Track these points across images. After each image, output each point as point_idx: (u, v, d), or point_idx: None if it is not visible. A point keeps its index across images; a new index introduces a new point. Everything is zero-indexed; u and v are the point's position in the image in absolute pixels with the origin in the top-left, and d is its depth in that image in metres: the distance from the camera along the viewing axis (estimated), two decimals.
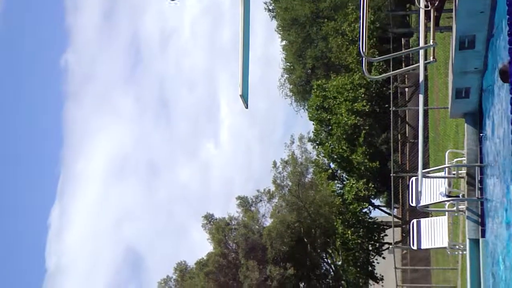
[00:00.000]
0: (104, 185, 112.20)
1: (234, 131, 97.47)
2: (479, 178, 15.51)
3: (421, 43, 13.71)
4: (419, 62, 14.15)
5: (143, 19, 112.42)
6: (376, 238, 40.90)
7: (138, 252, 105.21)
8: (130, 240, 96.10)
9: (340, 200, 38.91)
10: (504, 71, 9.23)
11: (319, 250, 41.79)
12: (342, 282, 42.38)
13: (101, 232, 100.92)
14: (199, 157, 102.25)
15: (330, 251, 42.28)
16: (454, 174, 16.94)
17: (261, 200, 41.03)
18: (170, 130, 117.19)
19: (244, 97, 11.40)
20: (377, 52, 37.13)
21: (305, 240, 39.98)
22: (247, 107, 11.71)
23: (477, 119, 15.71)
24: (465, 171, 16.19)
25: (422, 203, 17.86)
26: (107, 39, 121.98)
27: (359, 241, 39.15)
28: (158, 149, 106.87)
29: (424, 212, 23.42)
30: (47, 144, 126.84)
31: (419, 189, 16.75)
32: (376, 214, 45.47)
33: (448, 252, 21.28)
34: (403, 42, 42.90)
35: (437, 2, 13.34)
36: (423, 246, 20.21)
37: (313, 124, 41.45)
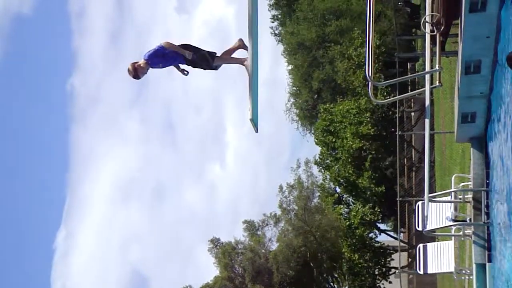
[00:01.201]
0: (110, 208, 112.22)
1: (240, 154, 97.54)
2: (485, 203, 15.50)
3: (427, 68, 13.75)
4: (425, 86, 14.17)
5: (149, 41, 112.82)
6: (382, 262, 40.79)
7: (144, 275, 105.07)
8: (135, 263, 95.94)
9: (347, 223, 38.86)
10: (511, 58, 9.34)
11: (325, 275, 41.70)
12: None
13: (107, 256, 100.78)
14: (205, 180, 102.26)
15: (336, 276, 42.18)
16: (460, 199, 16.93)
17: (267, 224, 41.03)
18: (176, 152, 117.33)
19: (254, 121, 11.40)
20: (383, 77, 37.19)
21: (312, 264, 39.90)
22: (257, 131, 11.71)
23: (483, 143, 15.72)
24: (471, 196, 16.17)
25: (429, 227, 17.83)
26: (113, 61, 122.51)
27: (365, 265, 39.05)
28: (164, 172, 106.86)
29: (430, 236, 23.37)
30: (53, 168, 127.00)
31: (425, 214, 16.72)
32: (382, 238, 45.39)
33: (455, 277, 21.19)
34: (409, 67, 43.01)
35: (442, 27, 13.41)
36: (429, 271, 20.16)
37: (320, 147, 41.48)
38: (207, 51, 11.52)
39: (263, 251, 39.80)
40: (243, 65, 11.56)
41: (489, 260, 15.26)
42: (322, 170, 41.48)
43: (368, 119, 38.56)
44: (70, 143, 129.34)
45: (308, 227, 38.98)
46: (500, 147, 13.28)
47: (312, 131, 46.54)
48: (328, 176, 40.96)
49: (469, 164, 17.16)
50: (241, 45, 11.66)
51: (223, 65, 11.78)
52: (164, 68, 11.70)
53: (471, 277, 18.21)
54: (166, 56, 11.33)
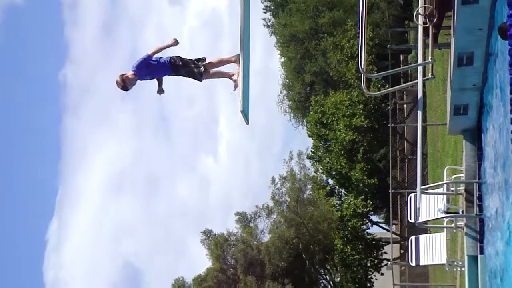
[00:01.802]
0: (103, 199, 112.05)
1: (232, 146, 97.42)
2: (477, 195, 15.52)
3: (420, 60, 13.74)
4: (417, 78, 14.17)
5: (142, 32, 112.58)
6: (374, 254, 40.86)
7: (136, 267, 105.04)
8: (128, 255, 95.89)
9: (339, 215, 38.91)
10: (503, 28, 9.33)
11: (317, 266, 41.74)
12: None
13: (99, 247, 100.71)
14: (197, 171, 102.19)
15: (328, 267, 42.23)
16: (452, 191, 16.95)
17: (259, 216, 41.05)
18: (169, 144, 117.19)
19: (245, 113, 11.36)
20: (376, 69, 37.23)
21: (304, 256, 39.94)
22: (247, 123, 11.68)
23: (475, 135, 15.73)
24: (463, 188, 16.19)
25: (421, 219, 17.85)
26: (106, 52, 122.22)
27: (357, 257, 39.11)
28: (157, 164, 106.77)
29: (422, 228, 23.41)
30: (45, 158, 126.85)
31: (417, 206, 16.75)
32: (374, 230, 45.46)
33: (447, 269, 21.24)
34: (401, 59, 43.00)
35: (435, 19, 13.39)
36: (421, 263, 20.18)
37: (312, 140, 41.49)
38: (198, 69, 11.49)
39: (255, 242, 39.82)
40: (231, 78, 11.55)
41: (481, 252, 15.28)
42: (315, 163, 41.51)
43: (361, 111, 38.58)
44: (62, 133, 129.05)
45: (300, 219, 39.01)
46: (493, 139, 13.29)
47: (305, 123, 46.52)
48: (320, 169, 41.00)
49: (462, 156, 17.18)
50: (236, 61, 11.57)
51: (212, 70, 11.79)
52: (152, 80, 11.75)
53: (463, 269, 18.24)
54: (153, 67, 11.34)
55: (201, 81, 11.62)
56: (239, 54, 11.45)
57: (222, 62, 11.71)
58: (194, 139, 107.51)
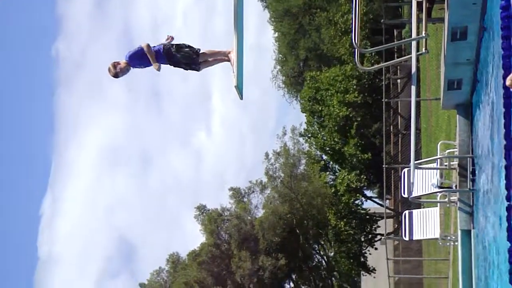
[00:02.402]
0: (96, 173, 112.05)
1: (226, 121, 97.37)
2: (471, 169, 15.56)
3: (414, 35, 13.72)
4: (411, 53, 14.16)
5: (135, 7, 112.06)
6: (368, 229, 40.98)
7: (130, 241, 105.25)
8: (122, 229, 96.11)
9: (333, 191, 38.96)
10: None
11: (311, 242, 41.87)
12: (334, 273, 42.50)
13: (94, 221, 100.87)
14: (191, 146, 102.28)
15: (322, 243, 42.37)
16: (446, 165, 16.98)
17: (253, 191, 41.10)
18: (162, 118, 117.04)
19: (239, 88, 11.33)
20: (370, 44, 37.12)
21: (298, 231, 40.05)
22: (242, 98, 11.65)
23: (469, 110, 15.74)
24: (457, 162, 16.23)
25: (414, 194, 17.90)
26: (98, 27, 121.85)
27: (351, 232, 39.22)
28: (150, 138, 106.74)
29: (416, 203, 23.49)
30: (38, 133, 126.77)
31: (411, 180, 16.79)
32: (368, 205, 45.56)
33: (440, 243, 21.34)
34: (395, 34, 42.91)
35: None
36: (415, 237, 20.26)
37: (305, 116, 41.45)
38: (192, 49, 11.46)
39: (249, 218, 39.89)
40: (226, 59, 11.50)
41: (474, 226, 15.35)
42: (308, 139, 41.48)
43: (355, 86, 38.54)
44: (55, 108, 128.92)
45: (294, 194, 39.08)
46: (486, 113, 13.30)
47: (299, 98, 46.48)
48: (314, 144, 40.99)
49: (455, 130, 17.20)
50: (229, 58, 11.50)
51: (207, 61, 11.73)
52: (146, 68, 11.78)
53: (456, 243, 18.32)
54: (146, 57, 11.38)
55: (198, 67, 11.57)
56: (233, 48, 11.42)
57: (216, 54, 11.67)
58: (187, 114, 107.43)
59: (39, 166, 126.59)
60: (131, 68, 11.50)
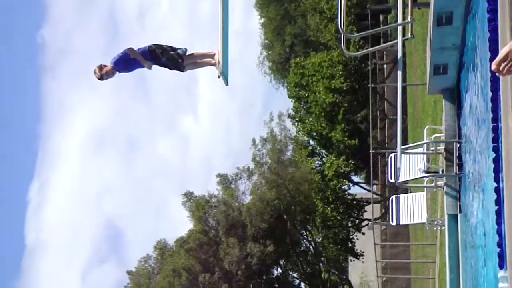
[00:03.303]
0: (83, 159, 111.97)
1: (213, 106, 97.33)
2: (457, 154, 15.58)
3: (399, 20, 13.72)
4: (397, 38, 14.15)
5: None
6: (355, 214, 41.09)
7: (118, 227, 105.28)
8: (109, 215, 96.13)
9: (320, 177, 39.01)
10: None
11: (298, 227, 41.95)
12: (322, 258, 42.61)
13: (81, 207, 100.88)
14: (178, 132, 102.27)
15: (310, 228, 42.45)
16: (432, 150, 16.99)
17: (240, 178, 41.10)
18: (148, 104, 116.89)
19: (224, 74, 11.34)
20: (355, 29, 37.16)
21: (285, 217, 40.10)
22: (227, 85, 11.67)
23: (455, 95, 15.76)
24: (443, 147, 16.24)
25: (401, 179, 17.90)
26: (84, 12, 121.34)
27: (338, 217, 39.32)
28: (137, 123, 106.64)
29: (403, 188, 23.54)
30: (25, 120, 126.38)
31: (398, 166, 16.80)
32: (355, 190, 45.69)
33: (427, 228, 21.41)
34: (381, 19, 42.95)
35: None
36: (402, 222, 20.28)
37: (292, 101, 41.46)
38: (177, 53, 11.48)
39: (236, 204, 39.92)
40: (212, 62, 11.50)
41: (461, 211, 15.38)
42: (296, 123, 41.50)
43: (341, 72, 38.56)
44: (41, 94, 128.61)
45: (282, 180, 39.11)
46: (472, 98, 13.32)
47: (285, 84, 46.48)
48: (301, 130, 41.00)
49: (441, 115, 17.23)
50: (215, 61, 11.48)
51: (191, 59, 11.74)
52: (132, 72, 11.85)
53: (443, 228, 18.37)
54: (131, 61, 11.47)
55: (183, 69, 11.58)
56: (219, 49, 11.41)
57: (202, 56, 11.69)
58: (173, 99, 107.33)
59: (26, 152, 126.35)
60: (117, 72, 11.59)
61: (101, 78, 11.62)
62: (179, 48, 11.53)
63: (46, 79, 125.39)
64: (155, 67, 11.55)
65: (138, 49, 11.49)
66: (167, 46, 11.51)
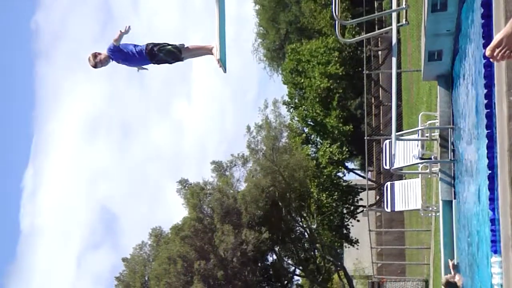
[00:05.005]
0: (78, 144, 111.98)
1: (207, 93, 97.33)
2: (451, 140, 15.61)
3: (394, 6, 13.72)
4: (392, 25, 14.16)
5: None
6: (350, 201, 41.15)
7: (112, 213, 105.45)
8: (104, 200, 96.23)
9: (315, 163, 39.04)
10: None
11: (294, 214, 41.98)
12: (317, 245, 42.67)
13: (76, 193, 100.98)
14: (172, 118, 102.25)
15: (305, 215, 42.48)
16: (427, 137, 17.03)
17: (235, 165, 41.06)
18: (143, 90, 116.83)
19: (222, 61, 11.28)
20: (350, 15, 37.15)
21: (280, 204, 40.13)
22: (225, 71, 11.62)
23: (449, 81, 15.77)
24: (438, 133, 16.27)
25: (396, 165, 17.93)
26: None
27: (333, 204, 39.38)
28: (132, 109, 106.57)
29: (398, 174, 23.58)
30: (19, 106, 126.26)
31: (392, 152, 16.82)
32: (350, 177, 45.76)
33: (422, 214, 21.47)
34: (376, 5, 42.89)
35: None
36: (397, 209, 20.33)
37: (287, 88, 41.44)
38: (174, 46, 11.50)
39: (231, 191, 39.90)
40: (211, 52, 11.50)
41: (455, 197, 15.42)
42: (290, 110, 41.49)
43: (336, 58, 38.56)
44: (36, 80, 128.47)
45: (276, 167, 39.11)
46: (466, 84, 13.33)
47: (280, 72, 46.45)
48: (296, 116, 41.01)
49: (436, 102, 17.24)
50: (212, 51, 11.48)
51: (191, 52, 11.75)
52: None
53: (437, 214, 18.43)
54: (130, 56, 11.54)
55: (182, 58, 11.59)
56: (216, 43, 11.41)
57: (200, 49, 11.68)
58: (168, 85, 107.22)
59: (20, 138, 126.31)
60: (111, 60, 11.60)
61: (95, 66, 11.65)
62: (176, 44, 11.57)
63: (40, 65, 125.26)
64: (155, 67, 11.58)
65: (137, 46, 11.52)
66: (163, 43, 11.54)
